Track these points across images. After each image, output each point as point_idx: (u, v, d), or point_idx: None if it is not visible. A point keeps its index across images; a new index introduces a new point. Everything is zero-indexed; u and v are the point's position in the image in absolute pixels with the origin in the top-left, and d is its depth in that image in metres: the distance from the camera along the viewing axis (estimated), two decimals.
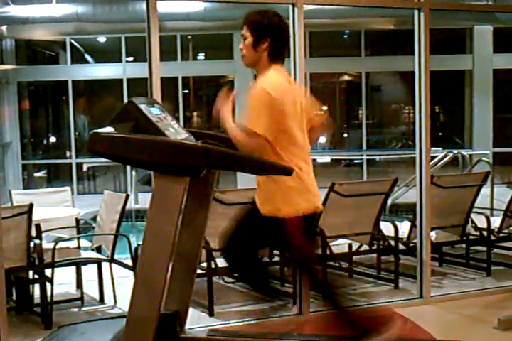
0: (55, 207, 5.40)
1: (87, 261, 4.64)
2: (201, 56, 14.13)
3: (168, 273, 2.56)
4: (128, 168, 12.45)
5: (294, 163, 2.80)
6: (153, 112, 2.63)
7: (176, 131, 2.64)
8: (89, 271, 4.72)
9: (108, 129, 2.52)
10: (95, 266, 4.61)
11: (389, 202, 6.91)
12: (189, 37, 13.30)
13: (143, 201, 9.91)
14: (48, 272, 4.21)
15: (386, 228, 4.94)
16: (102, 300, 4.59)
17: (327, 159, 13.24)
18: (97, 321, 3.36)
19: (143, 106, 2.59)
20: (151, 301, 2.50)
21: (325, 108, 3.03)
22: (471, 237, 5.30)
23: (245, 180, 12.43)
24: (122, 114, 2.62)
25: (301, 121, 2.91)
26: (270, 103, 2.71)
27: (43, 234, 4.49)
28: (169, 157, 2.45)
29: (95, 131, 2.51)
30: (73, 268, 4.69)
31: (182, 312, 2.92)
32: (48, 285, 4.19)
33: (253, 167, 2.57)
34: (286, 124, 2.80)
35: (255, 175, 2.85)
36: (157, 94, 3.63)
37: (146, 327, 2.51)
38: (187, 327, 3.07)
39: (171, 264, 2.60)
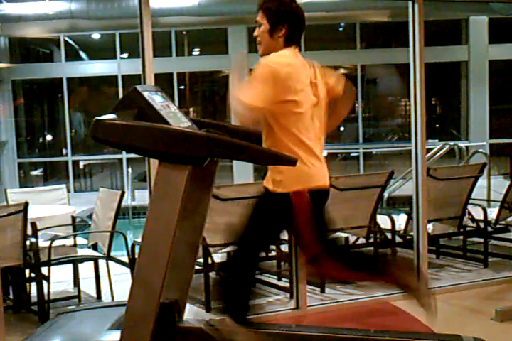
0: (50, 205, 5.38)
1: (84, 259, 4.63)
2: (196, 51, 14.09)
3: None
4: (124, 165, 12.46)
5: (299, 141, 2.70)
6: (157, 100, 2.61)
7: (179, 120, 2.62)
8: (86, 269, 4.72)
9: (111, 116, 2.50)
10: (92, 263, 4.60)
11: (386, 195, 6.92)
12: (184, 32, 13.25)
13: (139, 198, 9.93)
14: (44, 270, 4.20)
15: (383, 221, 4.95)
16: (99, 297, 4.58)
17: (323, 153, 13.23)
18: (96, 309, 3.32)
19: (146, 94, 2.57)
20: (151, 290, 2.49)
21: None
22: (467, 229, 5.30)
23: (242, 176, 12.37)
24: (126, 101, 2.60)
25: (318, 103, 2.79)
26: (271, 75, 2.59)
27: (39, 233, 4.48)
28: (173, 145, 2.42)
29: (98, 117, 2.48)
30: (70, 266, 4.68)
31: (181, 302, 2.92)
32: (45, 283, 4.18)
33: (257, 156, 2.53)
34: (292, 100, 2.66)
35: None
36: None
37: (145, 316, 2.50)
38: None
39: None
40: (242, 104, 2.57)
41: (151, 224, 2.51)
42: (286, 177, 2.71)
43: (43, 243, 4.43)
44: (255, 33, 2.83)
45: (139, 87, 2.59)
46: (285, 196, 2.70)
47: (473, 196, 5.24)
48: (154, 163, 3.52)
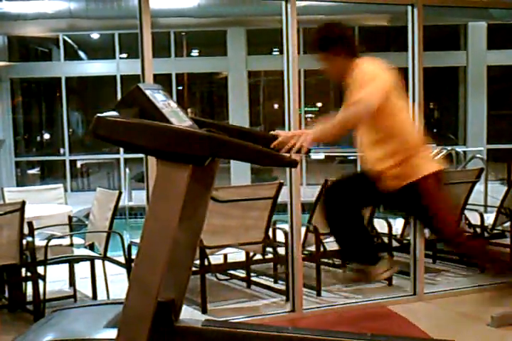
0: (47, 205, 5.36)
1: (80, 259, 4.61)
2: (195, 53, 14.09)
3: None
4: (122, 165, 12.45)
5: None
6: (159, 98, 2.61)
7: (180, 118, 2.62)
8: (82, 269, 4.71)
9: (112, 113, 2.50)
10: (88, 263, 4.59)
11: None
12: (183, 33, 13.26)
13: (137, 198, 9.90)
14: (40, 270, 4.19)
15: (380, 225, 4.94)
16: (95, 297, 4.56)
17: (321, 156, 13.24)
18: (92, 306, 3.30)
19: (148, 92, 2.57)
20: (148, 289, 2.48)
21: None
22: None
23: (239, 178, 12.32)
24: (128, 99, 2.59)
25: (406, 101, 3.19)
26: (380, 76, 2.94)
27: (36, 232, 4.47)
28: (174, 144, 2.42)
29: (99, 114, 2.48)
30: (66, 266, 4.67)
31: (178, 301, 2.91)
32: (41, 282, 4.17)
33: (258, 157, 2.54)
34: (394, 98, 3.05)
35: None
36: None
37: (142, 314, 2.49)
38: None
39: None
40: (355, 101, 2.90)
41: (150, 223, 2.51)
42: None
43: (39, 242, 4.42)
44: (321, 68, 3.17)
45: (141, 85, 2.59)
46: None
47: (470, 201, 5.24)
48: (153, 163, 3.52)
